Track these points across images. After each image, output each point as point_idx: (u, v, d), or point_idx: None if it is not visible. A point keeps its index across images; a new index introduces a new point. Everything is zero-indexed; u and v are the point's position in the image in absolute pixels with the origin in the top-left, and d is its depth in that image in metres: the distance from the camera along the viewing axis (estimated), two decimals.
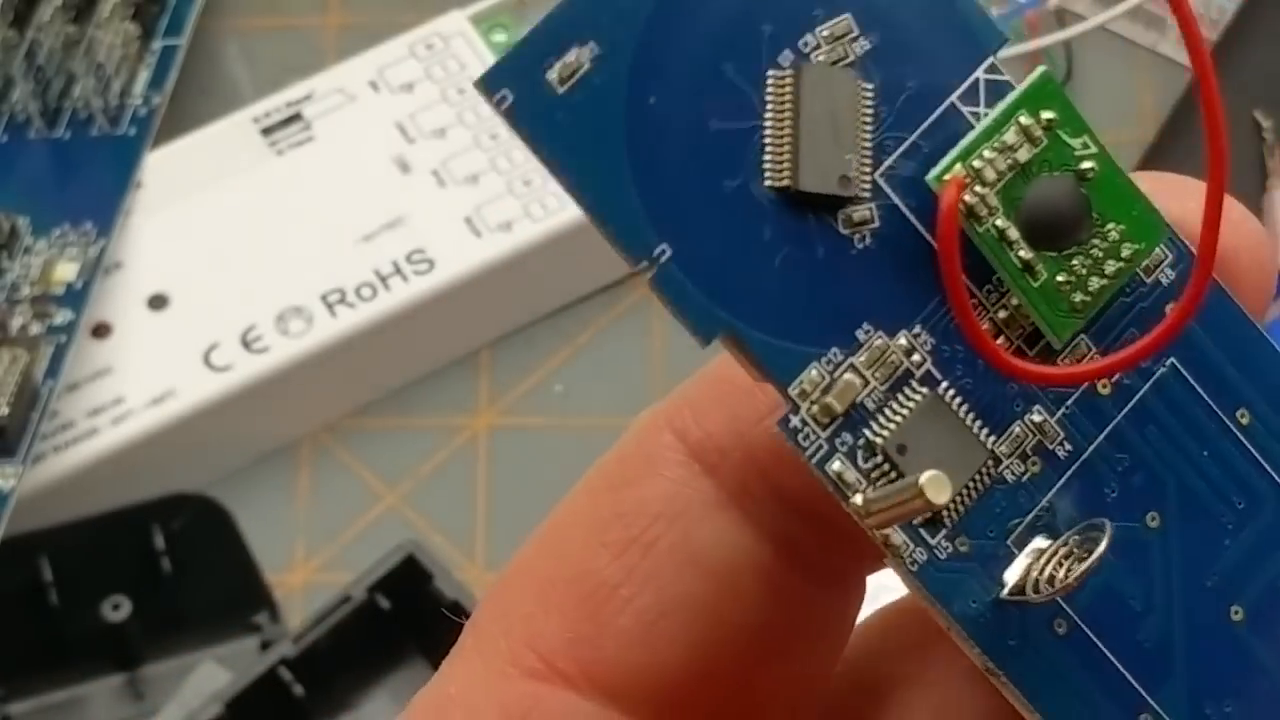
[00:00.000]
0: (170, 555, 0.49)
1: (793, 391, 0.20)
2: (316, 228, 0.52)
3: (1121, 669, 0.21)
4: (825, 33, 0.20)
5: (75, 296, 0.50)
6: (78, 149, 0.54)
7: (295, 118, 0.54)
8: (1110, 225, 0.22)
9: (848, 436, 0.20)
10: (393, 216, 0.52)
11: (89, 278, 0.50)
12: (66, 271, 0.50)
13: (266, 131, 0.54)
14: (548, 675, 0.23)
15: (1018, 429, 0.21)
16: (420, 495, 0.52)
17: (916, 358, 0.21)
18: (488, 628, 0.23)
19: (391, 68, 0.55)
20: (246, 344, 0.50)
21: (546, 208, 0.52)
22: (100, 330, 0.51)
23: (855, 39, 0.21)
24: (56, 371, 0.48)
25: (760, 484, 0.23)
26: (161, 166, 0.53)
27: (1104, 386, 0.22)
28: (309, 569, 0.51)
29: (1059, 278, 0.21)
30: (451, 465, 0.52)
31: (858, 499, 0.20)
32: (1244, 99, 0.58)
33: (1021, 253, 0.21)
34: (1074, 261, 0.21)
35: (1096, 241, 0.22)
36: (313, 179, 0.53)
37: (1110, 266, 0.21)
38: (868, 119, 0.21)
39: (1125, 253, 0.22)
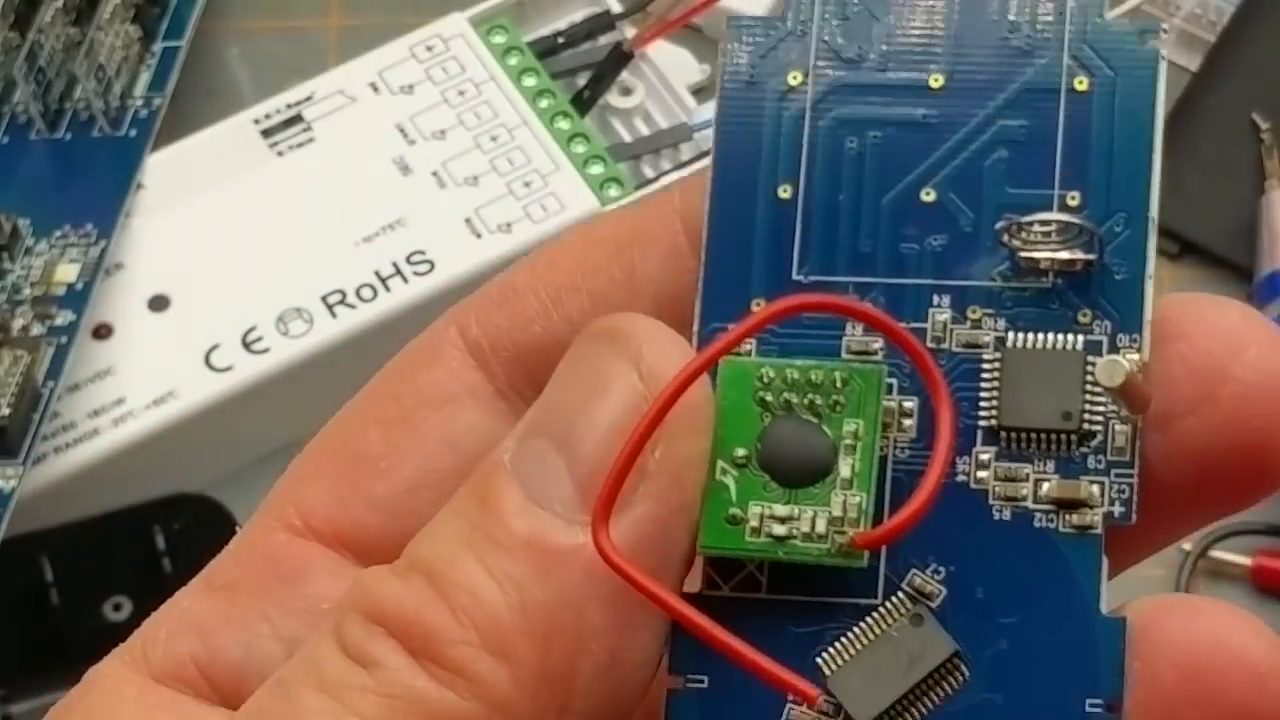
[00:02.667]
0: (171, 555, 0.49)
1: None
2: (317, 229, 0.52)
3: None
4: None
5: (76, 297, 0.50)
6: (79, 150, 0.54)
7: (296, 119, 0.54)
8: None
9: None
10: (393, 218, 0.52)
11: (90, 279, 0.50)
12: (67, 272, 0.50)
13: (267, 133, 0.54)
14: (303, 532, 0.25)
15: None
16: None
17: None
18: (271, 492, 0.26)
19: (392, 69, 0.55)
20: (247, 345, 0.51)
21: (547, 209, 0.52)
22: (101, 331, 0.51)
23: None
24: (57, 372, 0.48)
25: (525, 382, 0.25)
26: (162, 168, 0.53)
27: None
28: None
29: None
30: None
31: None
32: (1243, 100, 0.58)
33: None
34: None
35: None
36: (313, 180, 0.53)
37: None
38: None
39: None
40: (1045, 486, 0.23)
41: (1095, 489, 0.23)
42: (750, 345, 0.24)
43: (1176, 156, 0.58)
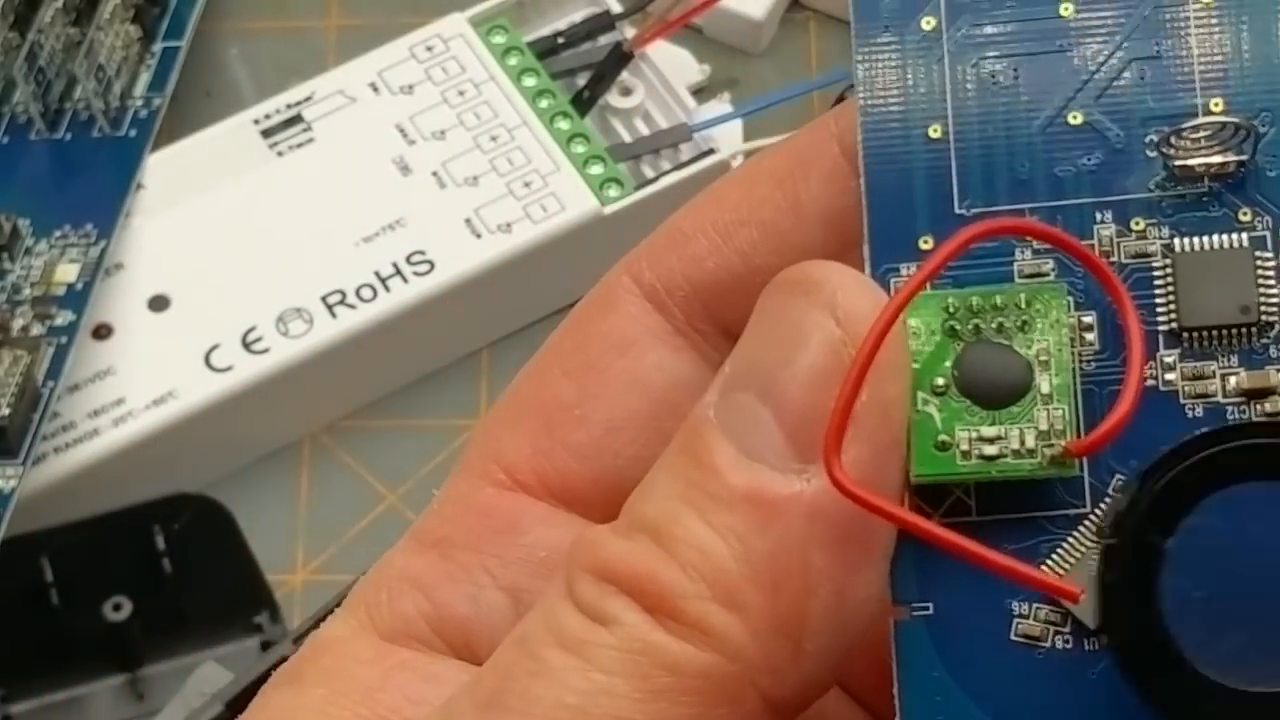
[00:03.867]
0: (171, 556, 0.49)
1: None
2: (317, 229, 0.52)
3: None
4: None
5: (76, 297, 0.50)
6: (79, 150, 0.54)
7: (296, 119, 0.54)
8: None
9: None
10: (393, 218, 0.52)
11: (90, 279, 0.50)
12: (67, 272, 0.50)
13: (267, 133, 0.54)
14: (510, 485, 0.26)
15: None
16: (420, 496, 0.52)
17: None
18: (467, 450, 0.27)
19: (392, 70, 0.55)
20: (247, 345, 0.51)
21: (546, 209, 0.52)
22: (101, 331, 0.51)
23: None
24: (57, 372, 0.48)
25: (703, 318, 0.26)
26: (162, 168, 0.53)
27: None
28: (309, 569, 0.51)
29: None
30: (452, 466, 0.52)
31: None
32: None
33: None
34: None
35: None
36: (313, 181, 0.53)
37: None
38: None
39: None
40: (1233, 380, 0.24)
41: None
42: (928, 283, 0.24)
43: None
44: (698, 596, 0.22)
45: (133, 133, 0.54)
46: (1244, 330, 0.24)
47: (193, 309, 0.51)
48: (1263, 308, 0.24)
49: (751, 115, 0.54)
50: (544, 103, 0.54)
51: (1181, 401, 0.24)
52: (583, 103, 0.55)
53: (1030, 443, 0.23)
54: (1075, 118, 0.25)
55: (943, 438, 0.23)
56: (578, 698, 0.22)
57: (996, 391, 0.23)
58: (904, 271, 0.25)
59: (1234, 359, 0.24)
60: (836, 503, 0.22)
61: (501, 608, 0.26)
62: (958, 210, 0.25)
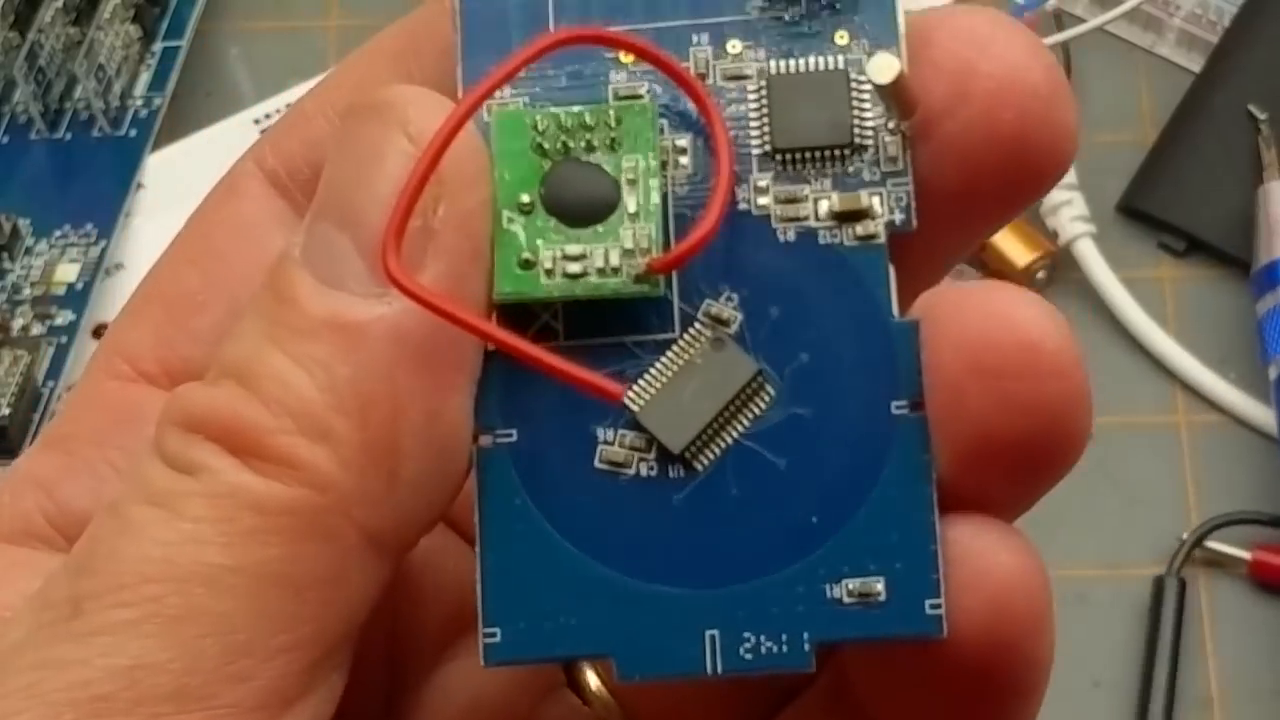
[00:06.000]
0: None
1: None
2: None
3: None
4: None
5: (76, 297, 0.50)
6: (79, 150, 0.54)
7: None
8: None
9: None
10: None
11: (90, 279, 0.50)
12: (67, 272, 0.50)
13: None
14: (133, 377, 0.25)
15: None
16: None
17: None
18: (95, 350, 0.26)
19: None
20: None
21: None
22: (101, 331, 0.51)
23: None
24: (58, 372, 0.48)
25: None
26: (162, 168, 0.53)
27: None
28: None
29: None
30: None
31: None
32: (1246, 100, 0.58)
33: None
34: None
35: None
36: None
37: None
38: None
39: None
40: (825, 203, 0.23)
41: (874, 200, 0.23)
42: (518, 99, 0.24)
43: (1181, 156, 0.58)
44: (282, 430, 0.22)
45: (133, 133, 0.54)
46: (837, 152, 0.23)
47: None
48: (856, 129, 0.23)
49: None
50: None
51: (774, 225, 0.23)
52: None
53: (615, 261, 0.23)
54: None
55: (526, 256, 0.23)
56: (162, 549, 0.21)
57: (582, 209, 0.23)
58: (496, 94, 0.24)
59: (827, 183, 0.23)
60: (421, 323, 0.22)
61: None
62: (552, 28, 0.24)
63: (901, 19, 0.24)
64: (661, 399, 0.23)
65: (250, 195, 0.26)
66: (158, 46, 0.57)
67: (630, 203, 0.23)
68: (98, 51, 0.54)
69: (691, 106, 0.24)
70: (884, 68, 0.22)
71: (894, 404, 0.23)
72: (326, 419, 0.22)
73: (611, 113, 0.23)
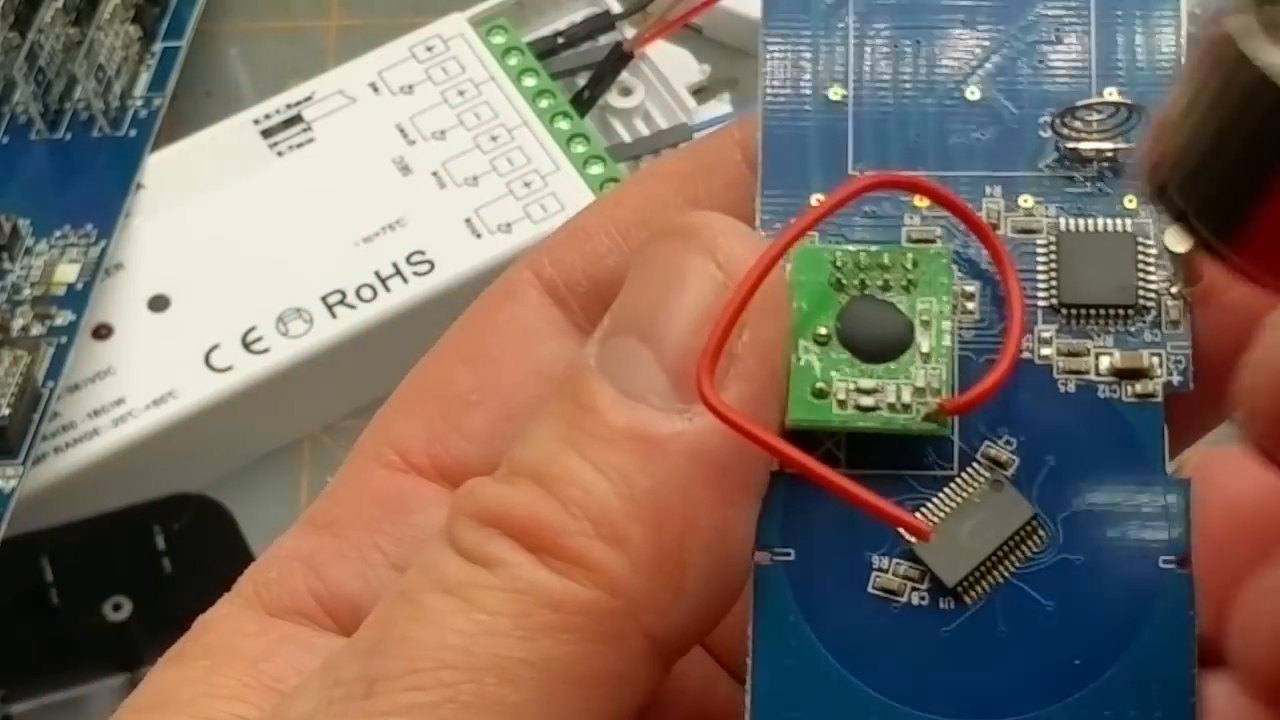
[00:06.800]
0: (171, 555, 0.49)
1: None
2: (317, 229, 0.52)
3: None
4: None
5: (76, 297, 0.50)
6: (79, 150, 0.54)
7: (296, 119, 0.54)
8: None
9: None
10: (393, 218, 0.52)
11: (90, 279, 0.50)
12: (67, 273, 0.50)
13: (267, 133, 0.54)
14: (404, 468, 0.26)
15: None
16: None
17: None
18: (362, 438, 0.27)
19: (392, 70, 0.55)
20: (247, 345, 0.51)
21: (546, 209, 0.52)
22: (101, 331, 0.51)
23: None
24: (57, 372, 0.48)
25: (602, 315, 0.25)
26: (162, 168, 0.53)
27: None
28: None
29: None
30: None
31: None
32: None
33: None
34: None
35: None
36: (313, 181, 0.53)
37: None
38: None
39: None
40: (1106, 360, 0.24)
41: (1154, 359, 0.24)
42: (816, 236, 0.25)
43: None
44: (580, 533, 0.22)
45: (133, 133, 0.54)
46: (1121, 311, 0.24)
47: (193, 309, 0.51)
48: (1140, 292, 0.24)
49: None
50: (544, 103, 0.54)
51: (1055, 376, 0.24)
52: (583, 103, 0.55)
53: (906, 398, 0.23)
54: (973, 93, 0.25)
55: (820, 385, 0.23)
56: (460, 638, 0.22)
57: (877, 346, 0.24)
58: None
59: (1109, 339, 0.24)
60: (718, 441, 0.22)
61: (392, 585, 0.25)
62: (851, 170, 0.25)
63: None
64: (939, 534, 0.23)
65: (527, 303, 0.27)
66: (158, 46, 0.57)
67: (924, 343, 0.24)
68: (98, 51, 0.54)
69: (981, 255, 0.24)
70: (1182, 237, 0.23)
71: (1163, 559, 0.23)
72: (623, 526, 0.22)
73: (909, 255, 0.24)
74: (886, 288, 0.24)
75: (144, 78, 0.56)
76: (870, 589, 0.24)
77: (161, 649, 0.50)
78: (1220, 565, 0.23)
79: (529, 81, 0.55)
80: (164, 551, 0.49)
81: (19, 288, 0.50)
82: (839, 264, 0.24)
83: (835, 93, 0.25)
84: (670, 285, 0.23)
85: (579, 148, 0.53)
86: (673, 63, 0.56)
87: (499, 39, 0.56)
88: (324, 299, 0.51)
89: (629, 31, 0.56)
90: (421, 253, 0.52)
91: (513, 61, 0.55)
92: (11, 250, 0.51)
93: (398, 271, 0.52)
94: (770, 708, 0.23)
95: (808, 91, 0.26)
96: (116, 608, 0.48)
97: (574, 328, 0.26)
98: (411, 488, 0.26)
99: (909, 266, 0.24)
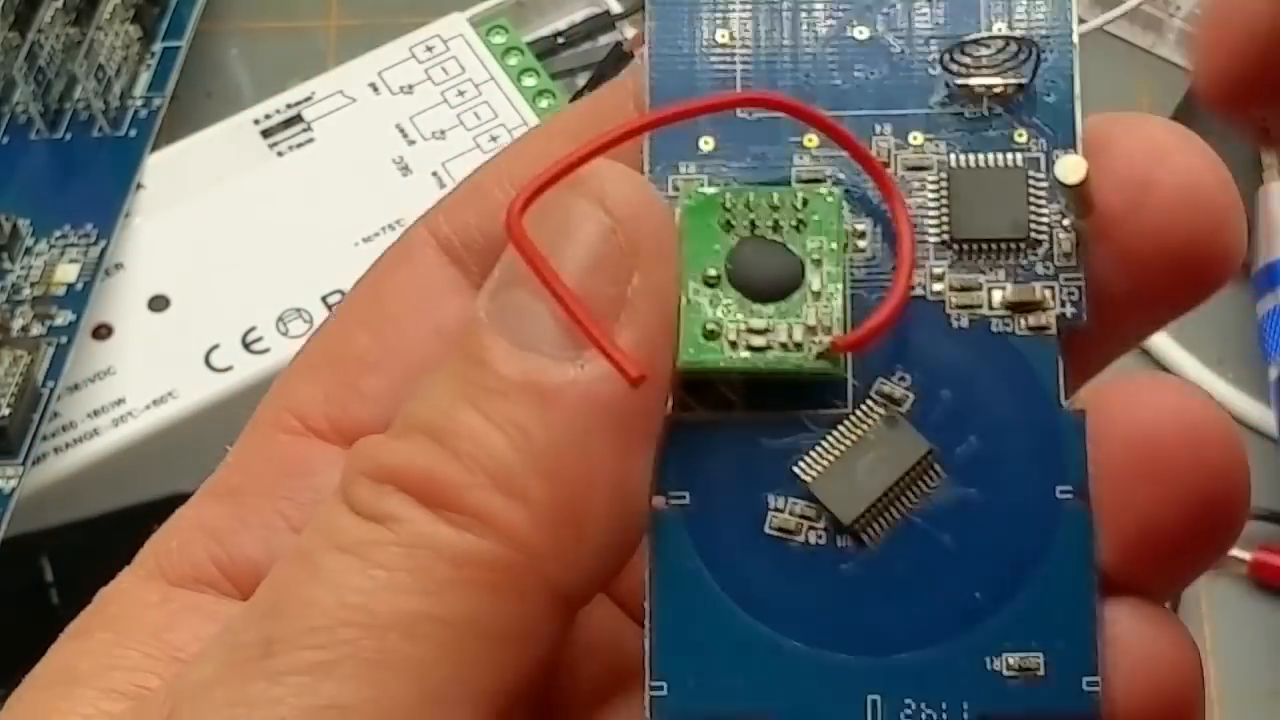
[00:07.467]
0: None
1: None
2: (317, 229, 0.52)
3: None
4: None
5: (76, 297, 0.50)
6: (79, 150, 0.54)
7: (296, 119, 0.54)
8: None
9: None
10: (393, 218, 0.52)
11: (90, 279, 0.50)
12: (67, 273, 0.50)
13: (267, 133, 0.54)
14: (303, 432, 0.26)
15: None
16: None
17: None
18: (260, 406, 0.27)
19: (392, 70, 0.55)
20: (247, 345, 0.51)
21: None
22: (101, 331, 0.51)
23: None
24: (57, 372, 0.48)
25: None
26: (162, 168, 0.53)
27: None
28: None
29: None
30: None
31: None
32: None
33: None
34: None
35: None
36: (313, 181, 0.53)
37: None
38: None
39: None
40: (999, 294, 0.24)
41: (1047, 291, 0.24)
42: (704, 176, 0.25)
43: None
44: (477, 486, 0.22)
45: (133, 133, 0.54)
46: (1013, 245, 0.24)
47: (193, 309, 0.51)
48: (1033, 225, 0.24)
49: None
50: (544, 103, 0.54)
51: (948, 311, 0.24)
52: None
53: (798, 336, 0.23)
54: (861, 32, 0.25)
55: (711, 326, 0.23)
56: (359, 596, 0.22)
57: (767, 285, 0.24)
58: (682, 169, 0.25)
59: (1001, 273, 0.24)
60: (614, 388, 0.22)
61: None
62: (739, 114, 0.25)
63: (1080, 124, 0.25)
64: (833, 472, 0.23)
65: (424, 262, 0.27)
66: (158, 46, 0.57)
67: (814, 281, 0.24)
68: (98, 51, 0.54)
69: (871, 193, 0.24)
70: (1073, 169, 0.23)
71: (1059, 489, 0.23)
72: (521, 479, 0.22)
73: (799, 194, 0.24)
74: (777, 228, 0.24)
75: (144, 78, 0.56)
76: (767, 529, 0.24)
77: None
78: (1118, 497, 0.23)
79: (529, 81, 0.55)
80: None
81: (19, 288, 0.50)
82: (728, 205, 0.24)
83: (722, 36, 0.25)
84: (559, 232, 0.23)
85: None
86: None
87: (499, 39, 0.56)
88: (324, 299, 0.51)
89: (629, 31, 0.56)
90: None
91: (513, 61, 0.55)
92: (11, 250, 0.51)
93: None
94: (669, 652, 0.23)
95: (696, 35, 0.25)
96: None
97: (472, 286, 0.26)
98: (311, 451, 0.26)
99: (799, 206, 0.24)
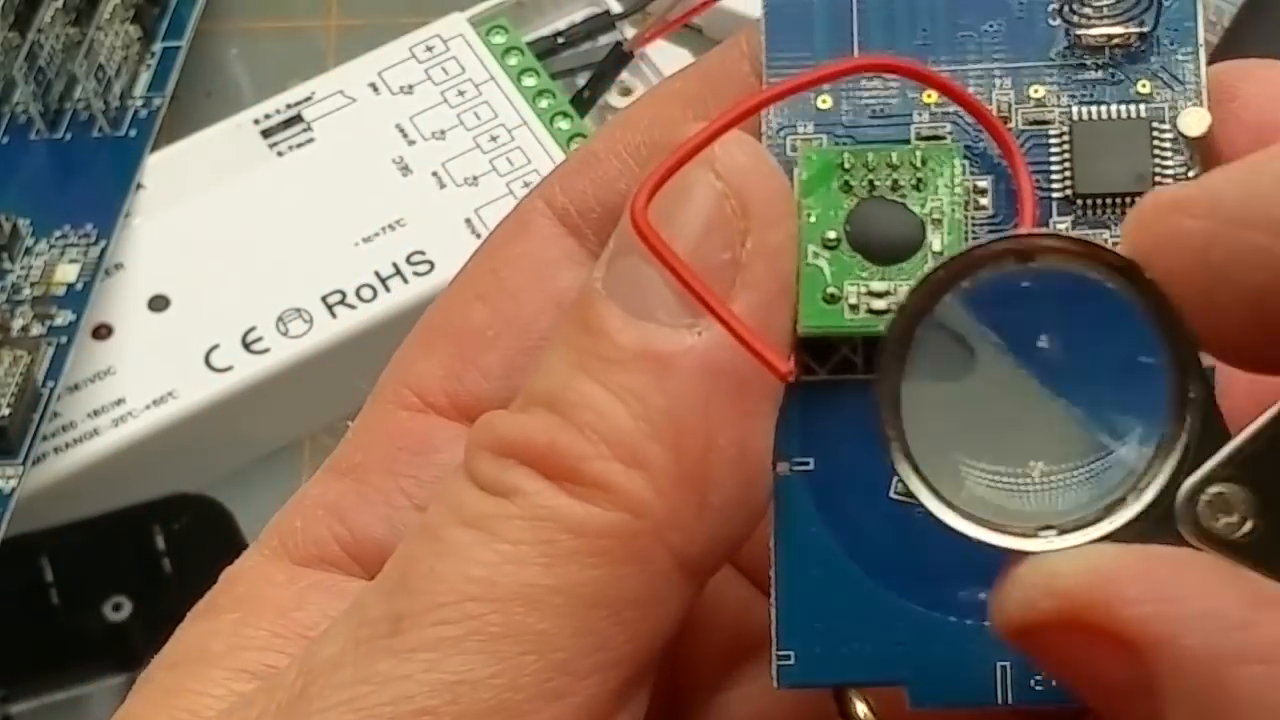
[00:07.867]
0: (171, 555, 0.49)
1: None
2: (317, 229, 0.52)
3: None
4: None
5: (76, 297, 0.50)
6: (79, 150, 0.54)
7: (296, 119, 0.54)
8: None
9: None
10: (393, 218, 0.52)
11: (90, 279, 0.50)
12: (67, 272, 0.50)
13: (267, 133, 0.54)
14: (422, 408, 0.26)
15: None
16: None
17: None
18: (380, 381, 0.27)
19: (392, 70, 0.55)
20: (247, 345, 0.51)
21: None
22: (101, 331, 0.51)
23: None
24: (57, 372, 0.48)
25: None
26: (162, 168, 0.53)
27: None
28: None
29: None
30: None
31: None
32: None
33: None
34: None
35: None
36: (313, 180, 0.53)
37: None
38: None
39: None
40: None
41: None
42: (822, 135, 0.24)
43: None
44: (598, 456, 0.22)
45: (133, 133, 0.54)
46: (1138, 200, 0.23)
47: (193, 309, 0.51)
48: (1157, 178, 0.24)
49: None
50: (544, 103, 0.54)
51: None
52: (583, 103, 0.55)
53: None
54: None
55: (831, 290, 0.23)
56: (484, 569, 0.22)
57: (888, 247, 0.23)
58: (800, 129, 0.24)
59: None
60: (731, 353, 0.22)
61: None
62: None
63: (1204, 73, 0.24)
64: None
65: (540, 233, 0.26)
66: (158, 46, 0.57)
67: (935, 241, 0.23)
68: (98, 51, 0.54)
69: (993, 149, 0.24)
70: (1195, 121, 0.23)
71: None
72: (642, 447, 0.22)
73: (918, 153, 0.24)
74: (896, 187, 0.24)
75: (144, 78, 0.56)
76: (891, 494, 0.23)
77: (161, 649, 0.50)
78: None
79: (529, 81, 0.55)
80: (164, 551, 0.49)
81: (19, 288, 0.50)
82: (846, 165, 0.24)
83: None
84: (673, 200, 0.23)
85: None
86: (673, 63, 0.56)
87: (499, 39, 0.56)
88: (324, 299, 0.51)
89: (629, 31, 0.56)
90: (421, 253, 0.52)
91: (513, 61, 0.55)
92: (11, 250, 0.51)
93: (398, 271, 0.52)
94: (795, 617, 0.23)
95: None
96: (116, 608, 0.48)
97: (589, 256, 0.26)
98: (431, 428, 0.26)
99: (918, 164, 0.24)
